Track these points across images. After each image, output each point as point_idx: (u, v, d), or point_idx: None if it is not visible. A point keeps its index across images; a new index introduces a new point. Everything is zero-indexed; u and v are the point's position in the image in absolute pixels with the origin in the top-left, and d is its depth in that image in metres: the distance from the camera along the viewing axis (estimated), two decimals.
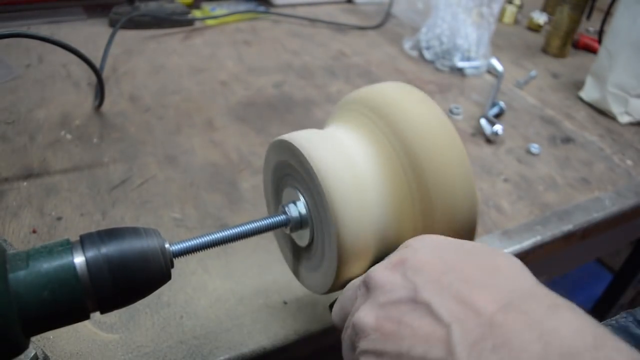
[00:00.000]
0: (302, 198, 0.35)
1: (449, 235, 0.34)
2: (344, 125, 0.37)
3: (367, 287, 0.30)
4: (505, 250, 0.55)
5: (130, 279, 0.29)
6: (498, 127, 0.72)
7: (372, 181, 0.33)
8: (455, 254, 0.29)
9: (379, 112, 0.35)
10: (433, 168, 0.33)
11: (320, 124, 0.41)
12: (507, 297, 0.24)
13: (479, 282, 0.26)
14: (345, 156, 0.33)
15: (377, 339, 0.27)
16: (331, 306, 0.36)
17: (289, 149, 0.35)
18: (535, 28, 1.17)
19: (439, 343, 0.24)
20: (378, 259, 0.35)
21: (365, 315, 0.28)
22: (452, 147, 0.34)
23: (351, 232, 0.32)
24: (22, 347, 0.27)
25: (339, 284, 0.35)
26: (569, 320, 0.22)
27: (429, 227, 0.33)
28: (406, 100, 0.35)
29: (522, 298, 0.24)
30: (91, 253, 0.28)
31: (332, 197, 0.32)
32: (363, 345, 0.28)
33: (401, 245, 0.32)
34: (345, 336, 0.31)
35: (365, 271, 0.36)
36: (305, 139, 0.34)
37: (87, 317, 0.29)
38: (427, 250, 0.30)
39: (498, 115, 0.79)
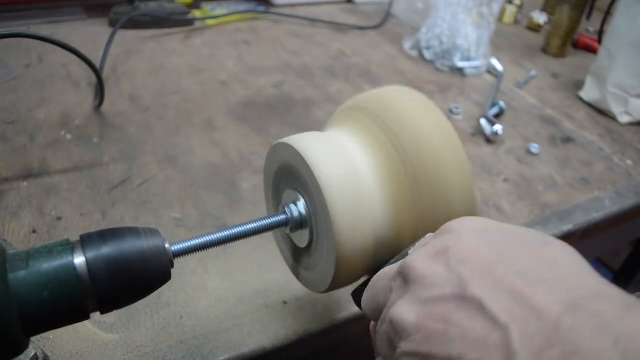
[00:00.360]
0: (302, 199, 0.36)
1: None
2: (344, 128, 0.37)
3: (405, 279, 0.27)
4: None
5: (130, 279, 0.29)
6: (498, 127, 0.72)
7: (371, 182, 0.34)
8: (505, 241, 0.25)
9: (379, 116, 0.35)
10: (432, 170, 0.33)
11: (320, 124, 0.41)
12: (572, 295, 0.21)
13: (537, 276, 0.22)
14: (345, 158, 0.34)
15: (421, 341, 0.24)
16: (355, 294, 0.34)
17: (290, 151, 0.35)
18: (535, 28, 1.17)
19: (496, 348, 0.21)
20: (377, 259, 0.35)
21: (406, 311, 0.25)
22: (451, 150, 0.34)
23: (350, 232, 0.32)
24: (22, 347, 0.27)
25: (338, 283, 0.35)
26: None
27: (428, 228, 0.33)
28: (406, 104, 0.36)
29: (589, 297, 0.21)
30: (91, 253, 0.28)
31: (331, 198, 0.32)
32: (405, 346, 0.25)
33: (441, 229, 0.29)
34: (381, 331, 0.28)
35: (364, 270, 0.36)
36: (305, 142, 0.34)
37: (87, 317, 0.29)
38: (473, 237, 0.26)
39: (498, 115, 0.79)
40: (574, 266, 0.23)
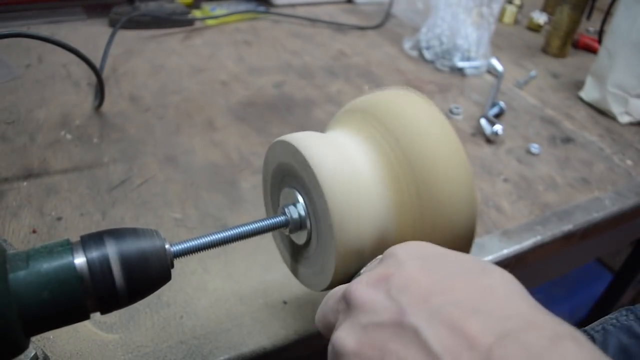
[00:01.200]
0: (301, 199, 0.36)
1: (448, 238, 0.34)
2: (344, 129, 0.37)
3: (348, 303, 0.28)
4: (505, 251, 0.55)
5: (130, 280, 0.29)
6: (498, 127, 0.72)
7: (371, 182, 0.34)
8: (445, 269, 0.26)
9: (379, 118, 0.35)
10: (432, 171, 0.33)
11: (320, 124, 0.41)
12: (504, 325, 0.22)
13: (471, 307, 0.23)
14: (344, 158, 0.34)
15: None
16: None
17: (289, 150, 0.35)
18: (535, 28, 1.17)
19: None
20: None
21: (346, 336, 0.26)
22: (451, 151, 0.34)
23: (349, 232, 0.32)
24: (22, 347, 0.27)
25: (337, 282, 0.35)
26: (573, 354, 0.21)
27: (427, 228, 0.33)
28: (406, 105, 0.36)
29: (520, 328, 0.22)
30: (91, 253, 0.28)
31: (330, 198, 0.32)
32: None
33: (385, 253, 0.30)
34: (329, 350, 0.29)
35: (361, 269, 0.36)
36: (305, 140, 0.34)
37: (87, 317, 0.29)
38: (414, 264, 0.27)
39: (498, 115, 0.79)
40: (509, 294, 0.24)
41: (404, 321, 0.24)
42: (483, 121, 0.74)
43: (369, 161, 0.34)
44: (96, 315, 0.33)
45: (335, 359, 0.27)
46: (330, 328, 0.30)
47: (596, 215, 0.62)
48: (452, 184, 0.33)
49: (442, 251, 0.29)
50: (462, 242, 0.34)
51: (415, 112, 0.35)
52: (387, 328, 0.24)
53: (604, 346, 0.41)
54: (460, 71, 0.92)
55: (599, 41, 1.01)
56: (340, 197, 0.32)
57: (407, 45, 0.98)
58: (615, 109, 0.82)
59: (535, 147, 0.72)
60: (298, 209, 0.36)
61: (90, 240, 0.29)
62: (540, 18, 1.16)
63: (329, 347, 0.28)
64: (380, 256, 0.31)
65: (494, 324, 0.22)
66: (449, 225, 0.33)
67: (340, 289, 0.31)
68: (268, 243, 0.50)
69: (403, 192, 0.33)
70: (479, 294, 0.24)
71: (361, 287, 0.27)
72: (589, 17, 1.13)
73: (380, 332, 0.25)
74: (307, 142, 0.34)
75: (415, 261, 0.27)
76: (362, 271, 0.33)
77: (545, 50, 1.06)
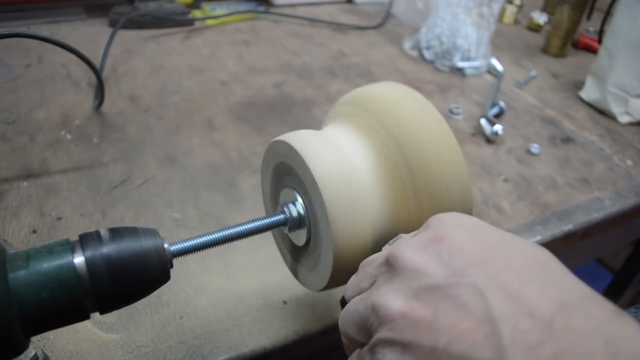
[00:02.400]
0: (299, 198, 0.36)
1: None
2: (340, 125, 0.37)
3: (393, 267, 0.26)
4: None
5: (129, 279, 0.29)
6: (498, 127, 0.72)
7: (368, 180, 0.34)
8: (496, 238, 0.25)
9: (373, 112, 0.35)
10: (427, 167, 0.33)
11: (320, 124, 0.41)
12: (565, 296, 0.21)
13: (530, 274, 0.22)
14: (342, 156, 0.34)
15: (405, 328, 0.23)
16: (342, 302, 0.34)
17: (286, 149, 0.35)
18: (535, 28, 1.17)
19: (486, 342, 0.20)
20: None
21: (391, 297, 0.24)
22: (447, 147, 0.34)
23: (347, 230, 0.32)
24: (22, 347, 0.27)
25: (336, 281, 0.35)
26: (636, 327, 0.20)
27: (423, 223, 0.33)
28: (402, 100, 0.36)
29: (582, 299, 0.21)
30: (91, 253, 0.28)
31: (327, 196, 0.32)
32: (384, 333, 0.24)
33: (431, 220, 0.28)
34: (356, 315, 0.27)
35: None
36: (301, 140, 0.34)
37: (87, 317, 0.29)
38: (464, 230, 0.26)
39: (498, 115, 0.79)
40: (564, 270, 0.23)
41: (459, 283, 0.23)
42: (483, 121, 0.74)
43: (365, 158, 0.34)
44: (96, 315, 0.33)
45: (373, 321, 0.25)
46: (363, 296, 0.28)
47: (596, 215, 0.62)
48: (448, 180, 0.33)
49: (489, 225, 0.27)
50: None
51: (412, 107, 0.35)
52: (439, 290, 0.23)
53: None
54: (460, 71, 0.92)
55: (599, 41, 1.01)
56: (338, 195, 0.32)
57: (407, 45, 0.98)
58: (615, 109, 0.82)
59: (535, 147, 0.72)
60: (297, 207, 0.36)
61: (90, 239, 0.29)
62: (540, 18, 1.16)
63: (358, 311, 0.27)
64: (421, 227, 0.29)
65: (554, 293, 0.21)
66: None
67: (379, 255, 0.29)
68: (268, 243, 0.50)
69: (400, 189, 0.33)
70: (534, 264, 0.23)
71: (409, 250, 0.26)
72: (589, 17, 1.13)
73: (432, 294, 0.23)
74: (304, 141, 0.34)
75: (465, 227, 0.26)
76: (396, 239, 0.32)
77: (545, 50, 1.06)
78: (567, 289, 0.22)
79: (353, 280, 0.30)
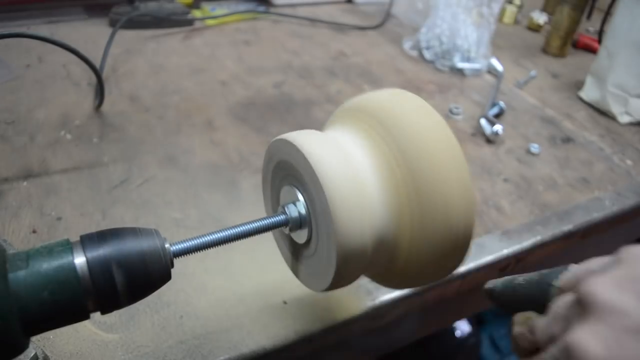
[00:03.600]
0: (301, 197, 0.36)
1: (447, 236, 0.34)
2: (342, 128, 0.37)
3: (586, 306, 0.25)
4: (505, 251, 0.55)
5: (130, 279, 0.29)
6: (498, 127, 0.72)
7: (370, 181, 0.34)
8: None
9: (377, 117, 0.35)
10: (429, 171, 0.33)
11: (320, 124, 0.41)
12: None
13: None
14: (344, 156, 0.34)
15: None
16: (490, 292, 0.33)
17: (289, 148, 0.35)
18: (535, 28, 1.17)
19: None
20: (376, 257, 0.35)
21: (590, 340, 0.23)
22: (449, 151, 0.34)
23: (349, 231, 0.32)
24: (22, 347, 0.27)
25: (338, 282, 0.35)
26: None
27: (426, 227, 0.33)
28: (405, 106, 0.36)
29: None
30: (91, 253, 0.28)
31: (330, 196, 0.32)
32: None
33: (623, 252, 0.27)
34: (548, 356, 0.26)
35: (363, 269, 0.36)
36: (305, 139, 0.34)
37: (87, 317, 0.29)
38: None
39: (498, 115, 0.79)
40: None
41: None
42: (483, 121, 0.74)
43: (368, 160, 0.34)
44: (96, 315, 0.33)
45: None
46: (555, 336, 0.27)
47: (596, 215, 0.62)
48: (450, 182, 0.33)
49: None
50: (460, 240, 0.34)
51: (414, 112, 0.35)
52: None
53: None
54: (460, 71, 0.92)
55: (599, 41, 1.01)
56: (341, 195, 0.32)
57: (407, 45, 0.98)
58: (615, 109, 0.82)
59: (535, 147, 0.72)
60: (298, 207, 0.36)
61: (90, 240, 0.29)
62: (540, 18, 1.16)
63: (557, 354, 0.26)
64: (610, 257, 0.28)
65: None
66: (447, 223, 0.33)
67: (568, 297, 0.28)
68: (268, 243, 0.50)
69: (402, 191, 0.33)
70: None
71: (604, 287, 0.24)
72: (589, 17, 1.13)
73: (634, 337, 0.22)
74: (307, 140, 0.34)
75: None
76: (572, 270, 0.30)
77: (545, 50, 1.06)
78: None
79: (542, 323, 0.29)
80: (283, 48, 0.94)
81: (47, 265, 0.27)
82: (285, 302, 0.46)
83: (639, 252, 0.26)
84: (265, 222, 0.36)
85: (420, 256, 0.34)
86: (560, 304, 0.28)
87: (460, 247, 0.35)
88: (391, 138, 0.34)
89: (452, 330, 1.15)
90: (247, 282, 0.47)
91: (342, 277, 0.34)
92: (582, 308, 0.25)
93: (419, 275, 0.37)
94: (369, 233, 0.33)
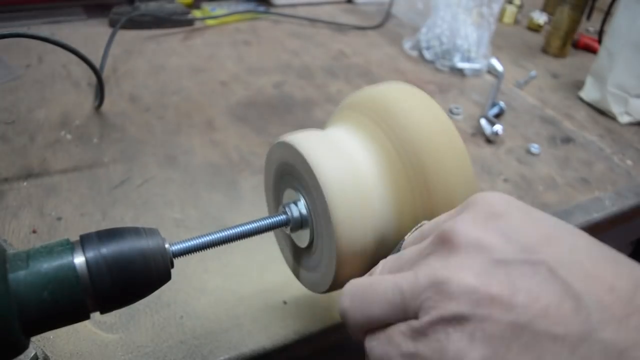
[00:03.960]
0: (302, 198, 0.36)
1: None
2: (344, 126, 0.37)
3: (451, 242, 0.24)
4: None
5: (130, 279, 0.29)
6: (498, 127, 0.72)
7: (372, 181, 0.34)
8: (550, 219, 0.24)
9: (380, 113, 0.35)
10: (434, 169, 0.33)
11: (320, 124, 0.41)
12: (636, 273, 0.21)
13: (597, 254, 0.22)
14: (345, 156, 0.34)
15: (479, 304, 0.22)
16: None
17: (290, 150, 0.35)
18: (535, 28, 1.17)
19: (573, 316, 0.20)
20: (378, 257, 0.35)
21: (460, 272, 0.23)
22: (453, 148, 0.34)
23: (351, 232, 0.32)
24: (22, 347, 0.27)
25: (338, 283, 0.35)
26: None
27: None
28: (408, 101, 0.35)
29: None
30: (91, 253, 0.28)
31: (331, 197, 0.32)
32: (451, 309, 0.22)
33: (472, 199, 0.27)
34: (390, 295, 0.25)
35: (364, 270, 0.36)
36: (305, 140, 0.34)
37: (87, 317, 0.29)
38: (517, 210, 0.25)
39: (498, 115, 0.79)
40: (617, 252, 0.23)
41: (532, 260, 0.22)
42: (483, 121, 0.74)
43: (369, 160, 0.34)
44: (96, 315, 0.33)
45: (432, 298, 0.23)
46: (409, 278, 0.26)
47: (596, 215, 0.62)
48: (454, 183, 0.33)
49: (527, 205, 0.26)
50: None
51: (413, 107, 0.35)
52: (511, 266, 0.22)
53: None
54: (460, 71, 0.92)
55: (599, 41, 1.01)
56: (341, 196, 0.32)
57: (407, 45, 0.98)
58: (615, 109, 0.82)
59: (535, 147, 0.72)
60: (299, 207, 0.36)
61: (90, 239, 0.29)
62: (540, 18, 1.16)
63: (406, 286, 0.25)
64: (455, 208, 0.28)
65: (626, 271, 0.21)
66: None
67: (418, 233, 0.28)
68: (268, 243, 0.50)
69: (404, 191, 0.33)
70: (595, 244, 0.23)
71: (466, 225, 0.24)
72: (589, 17, 1.13)
73: (504, 270, 0.22)
74: (308, 142, 0.34)
75: (516, 207, 0.25)
76: (407, 237, 0.31)
77: (545, 50, 1.06)
78: (635, 267, 0.22)
79: (387, 262, 0.29)
80: (283, 48, 0.94)
81: (47, 265, 0.27)
82: (285, 302, 0.46)
83: (488, 195, 0.26)
84: (266, 221, 0.36)
85: None
86: (413, 247, 0.28)
87: None
88: (394, 135, 0.34)
89: None
90: (247, 282, 0.47)
91: (343, 279, 0.34)
92: (445, 244, 0.25)
93: None
94: (371, 233, 0.33)
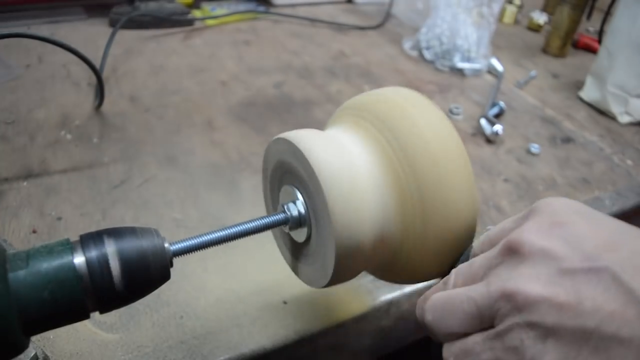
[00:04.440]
0: (300, 196, 0.36)
1: (448, 236, 0.34)
2: (343, 127, 0.37)
3: (518, 253, 0.26)
4: None
5: (129, 279, 0.29)
6: (498, 127, 0.72)
7: (371, 180, 0.34)
8: (612, 223, 0.26)
9: (377, 116, 0.35)
10: (433, 169, 0.33)
11: (320, 124, 0.41)
12: None
13: None
14: (344, 154, 0.34)
15: (548, 312, 0.23)
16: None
17: (288, 146, 0.35)
18: (535, 28, 1.17)
19: (636, 320, 0.21)
20: (376, 254, 0.35)
21: (529, 282, 0.24)
22: (453, 150, 0.34)
23: (349, 228, 0.32)
24: (22, 347, 0.27)
25: (337, 278, 0.35)
26: None
27: (427, 224, 0.33)
28: (406, 104, 0.36)
29: None
30: (91, 253, 0.28)
31: (329, 194, 0.32)
32: (523, 318, 0.24)
33: (537, 205, 0.28)
34: (467, 306, 0.27)
35: (363, 265, 0.36)
36: (304, 137, 0.34)
37: (87, 317, 0.29)
38: (580, 216, 0.26)
39: (498, 115, 0.79)
40: None
41: (596, 267, 0.23)
42: (483, 121, 0.74)
43: (369, 158, 0.34)
44: (96, 315, 0.33)
45: (506, 308, 0.25)
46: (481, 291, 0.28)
47: None
48: (453, 182, 0.33)
49: (592, 209, 0.27)
50: (462, 240, 0.34)
51: (416, 111, 0.35)
52: (577, 274, 0.23)
53: None
54: (460, 71, 0.92)
55: (599, 41, 1.01)
56: (340, 193, 0.32)
57: (407, 45, 0.98)
58: (615, 109, 0.82)
59: (535, 147, 0.72)
60: (297, 206, 0.36)
61: (90, 239, 0.29)
62: (540, 18, 1.16)
63: (479, 298, 0.26)
64: (520, 214, 0.29)
65: None
66: (450, 223, 0.33)
67: (483, 241, 0.30)
68: (268, 242, 0.50)
69: (403, 189, 0.33)
70: None
71: (532, 234, 0.26)
72: (589, 17, 1.13)
73: (570, 278, 0.24)
74: (307, 139, 0.34)
75: (579, 213, 0.26)
76: (474, 243, 0.32)
77: (545, 50, 1.06)
78: None
79: (459, 272, 0.30)
80: (283, 48, 0.94)
81: (47, 265, 0.27)
82: (285, 302, 0.46)
83: (552, 202, 0.28)
84: (265, 220, 0.36)
85: (422, 252, 0.34)
86: (482, 256, 0.29)
87: (462, 246, 0.35)
88: (393, 137, 0.34)
89: None
90: (246, 281, 0.47)
91: (341, 273, 0.34)
92: (513, 255, 0.26)
93: (422, 271, 0.37)
94: (369, 229, 0.33)
